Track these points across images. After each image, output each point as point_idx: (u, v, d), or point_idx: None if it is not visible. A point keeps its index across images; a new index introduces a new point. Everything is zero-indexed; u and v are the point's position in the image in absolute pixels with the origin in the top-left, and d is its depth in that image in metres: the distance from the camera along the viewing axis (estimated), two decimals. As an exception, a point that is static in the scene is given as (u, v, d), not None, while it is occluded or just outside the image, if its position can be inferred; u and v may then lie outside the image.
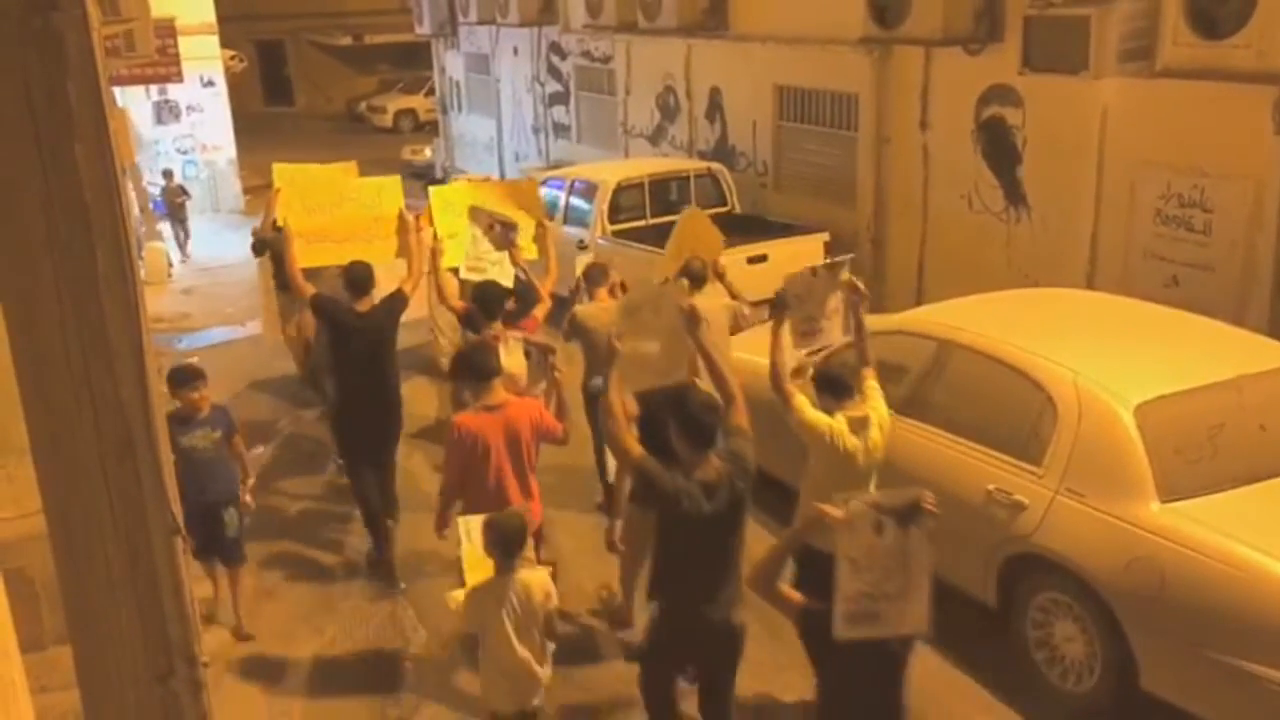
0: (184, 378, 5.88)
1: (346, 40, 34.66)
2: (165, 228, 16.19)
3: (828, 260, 5.67)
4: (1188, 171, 7.88)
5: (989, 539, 5.51)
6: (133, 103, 17.56)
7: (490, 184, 7.84)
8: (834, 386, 4.99)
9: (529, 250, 7.10)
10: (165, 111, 18.44)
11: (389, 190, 7.07)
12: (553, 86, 17.63)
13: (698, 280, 6.80)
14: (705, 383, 4.93)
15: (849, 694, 3.72)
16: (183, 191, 16.32)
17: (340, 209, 6.91)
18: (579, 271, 7.36)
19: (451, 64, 21.76)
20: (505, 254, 6.88)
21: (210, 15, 18.30)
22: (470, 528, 4.64)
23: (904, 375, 6.29)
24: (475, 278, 6.83)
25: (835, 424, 4.87)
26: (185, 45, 16.85)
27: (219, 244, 16.49)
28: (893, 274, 10.95)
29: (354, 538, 7.23)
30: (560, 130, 17.66)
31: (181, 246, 16.17)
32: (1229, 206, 7.67)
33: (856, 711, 3.77)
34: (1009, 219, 9.55)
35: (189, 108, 18.53)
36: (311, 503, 7.95)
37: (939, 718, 5.35)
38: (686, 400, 4.22)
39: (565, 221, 11.61)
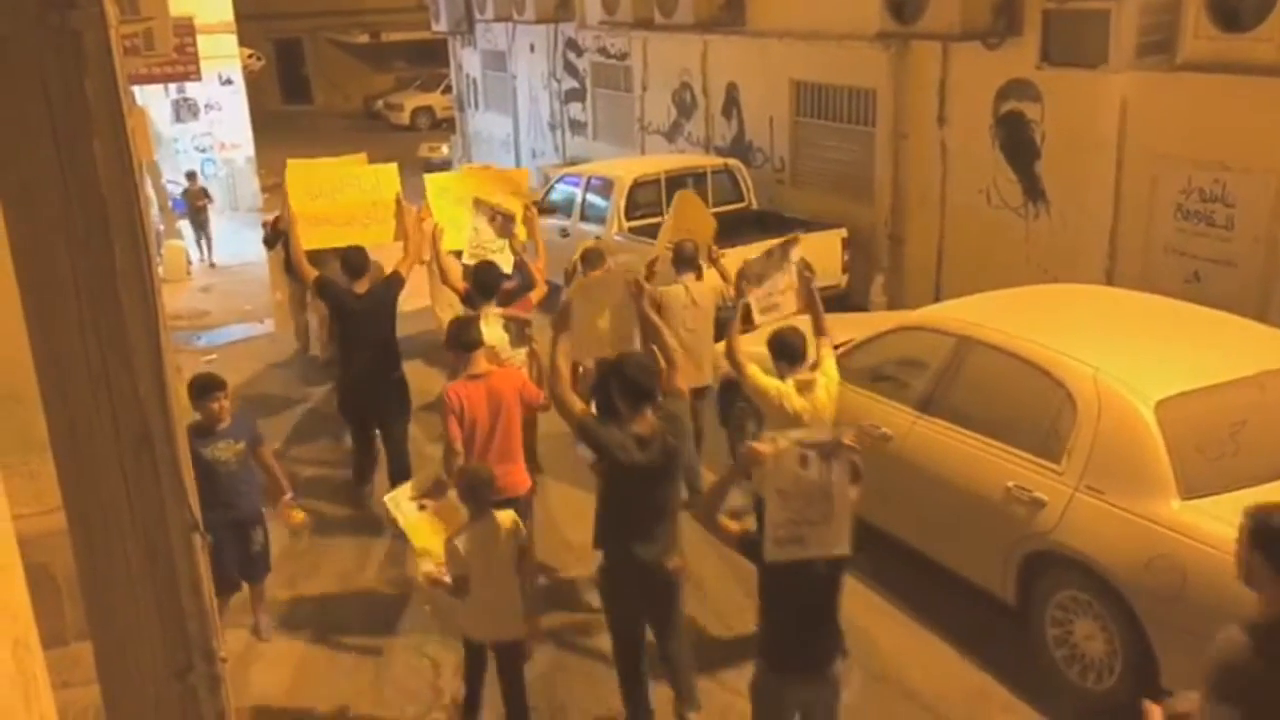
0: (203, 387, 5.64)
1: (364, 38, 34.76)
2: (186, 229, 16.02)
3: (781, 241, 6.25)
4: (1209, 166, 7.81)
5: (1008, 536, 5.48)
6: (152, 101, 17.66)
7: (483, 171, 8.25)
8: (786, 353, 5.42)
9: (520, 234, 7.45)
10: (184, 110, 18.53)
11: (386, 176, 7.50)
12: (569, 83, 17.63)
13: (689, 262, 7.11)
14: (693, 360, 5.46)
15: (785, 613, 4.12)
16: (205, 195, 15.92)
17: (341, 194, 7.33)
18: (576, 256, 7.70)
19: (468, 61, 21.79)
20: (505, 242, 7.25)
21: (228, 14, 18.38)
22: (396, 501, 5.16)
23: (922, 371, 6.27)
24: (470, 262, 7.20)
25: (783, 387, 5.32)
26: (204, 44, 16.91)
27: (237, 242, 16.54)
28: (910, 270, 10.91)
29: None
30: (577, 127, 17.66)
31: (204, 251, 15.81)
32: (1251, 201, 7.60)
33: (790, 629, 4.14)
34: (1027, 214, 9.49)
35: (207, 106, 18.62)
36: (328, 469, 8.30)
37: (959, 716, 5.34)
38: (625, 364, 4.63)
39: (582, 218, 11.61)
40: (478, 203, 7.29)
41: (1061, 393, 5.37)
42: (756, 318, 5.87)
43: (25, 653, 2.52)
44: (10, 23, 1.69)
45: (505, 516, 4.92)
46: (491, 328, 6.26)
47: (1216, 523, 4.66)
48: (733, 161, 12.20)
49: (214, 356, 11.50)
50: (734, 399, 7.91)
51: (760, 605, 4.22)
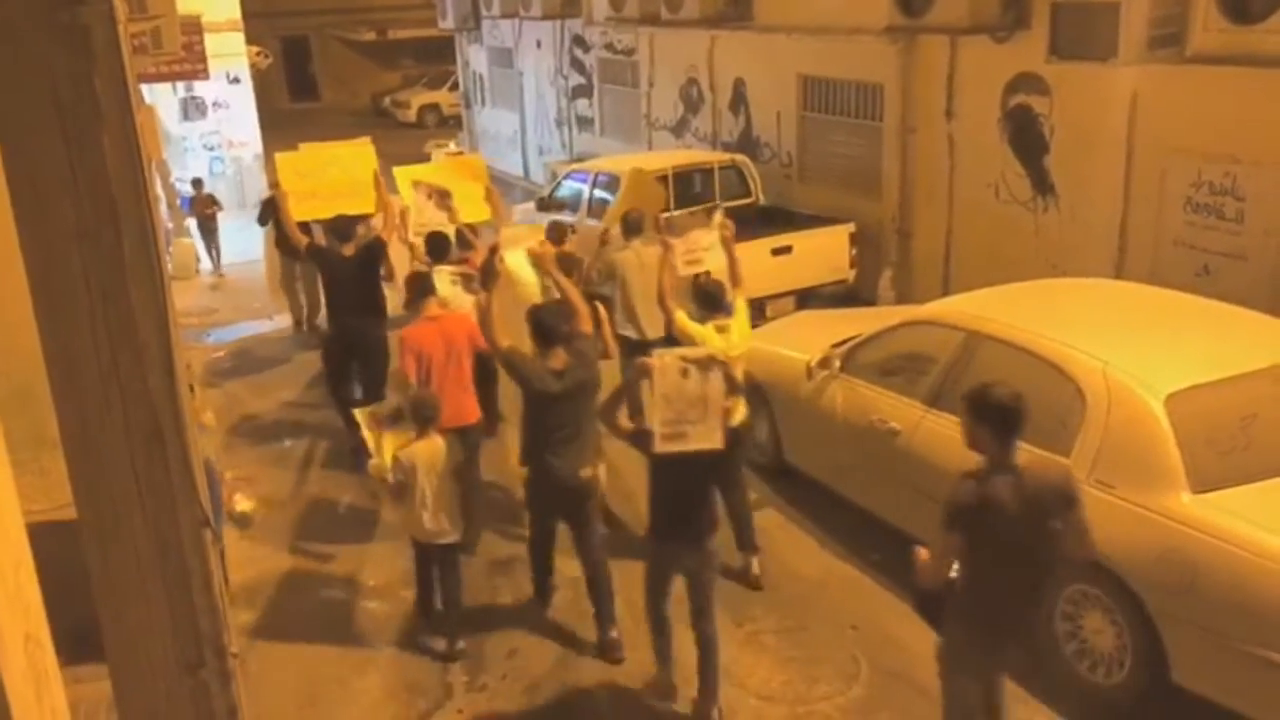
0: None
1: (371, 35, 34.78)
2: (195, 237, 15.40)
3: (705, 206, 7.82)
4: (1219, 159, 7.78)
5: (1017, 531, 5.47)
6: (160, 100, 17.68)
7: (443, 162, 9.35)
8: (708, 301, 6.34)
9: (470, 214, 8.53)
10: (192, 108, 18.54)
11: (364, 155, 8.64)
12: (576, 79, 17.62)
13: (636, 228, 8.12)
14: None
15: (668, 495, 5.09)
16: (213, 202, 14.98)
17: (325, 172, 8.45)
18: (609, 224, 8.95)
19: (475, 58, 21.80)
20: (444, 214, 8.39)
21: (236, 12, 18.38)
22: (364, 417, 6.20)
23: (931, 366, 6.25)
24: (421, 235, 8.31)
25: (705, 330, 6.18)
26: (211, 42, 16.90)
27: (245, 239, 16.53)
28: (919, 264, 10.88)
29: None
30: (583, 123, 17.65)
31: (214, 261, 15.27)
32: (1262, 194, 7.56)
33: (673, 508, 5.09)
34: (1036, 208, 9.46)
35: (215, 104, 18.62)
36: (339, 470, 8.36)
37: (967, 710, 5.33)
38: (540, 312, 5.78)
39: (589, 214, 11.60)
40: (416, 184, 8.37)
41: (1071, 387, 5.35)
42: (681, 269, 6.80)
43: (36, 648, 2.52)
44: (20, 18, 1.69)
45: (445, 439, 5.78)
46: (442, 282, 7.18)
47: (1227, 516, 4.65)
48: (740, 157, 12.18)
49: (222, 354, 11.53)
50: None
51: (650, 489, 5.17)
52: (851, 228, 10.65)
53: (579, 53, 17.31)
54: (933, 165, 10.50)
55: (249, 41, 19.06)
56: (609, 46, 16.28)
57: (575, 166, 13.15)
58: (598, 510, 6.02)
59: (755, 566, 6.45)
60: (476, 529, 6.55)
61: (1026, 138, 9.42)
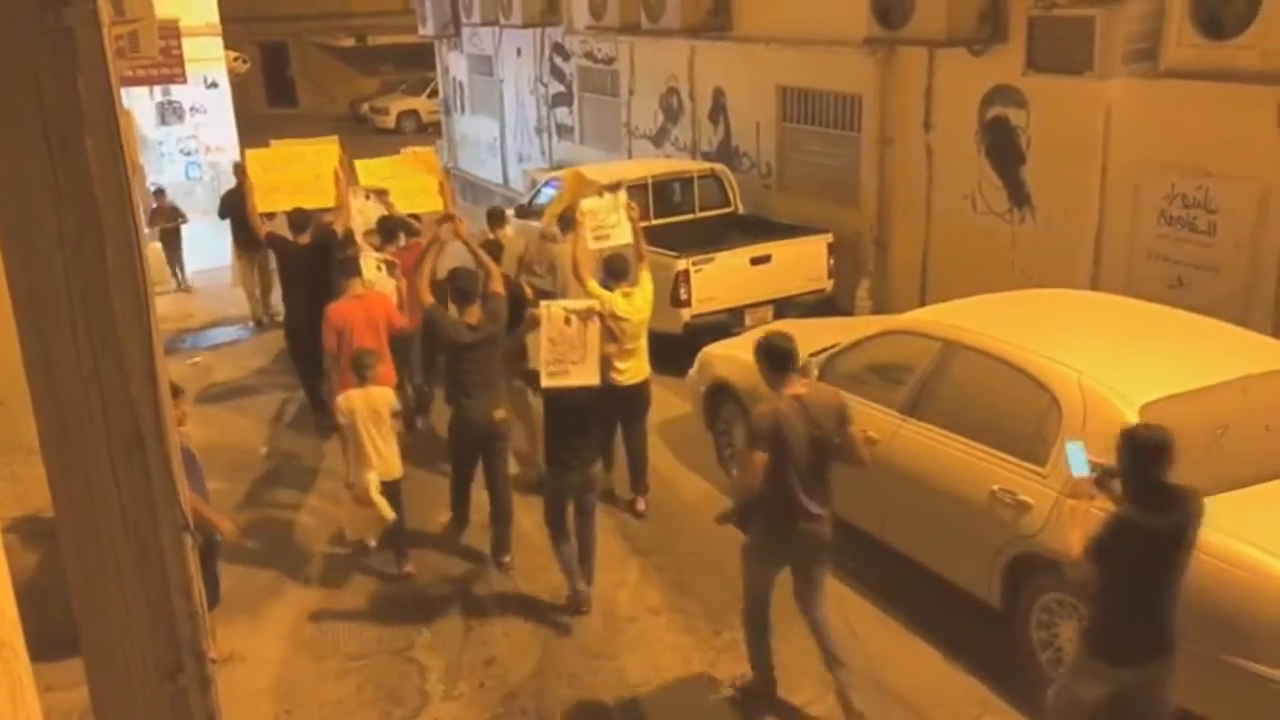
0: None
1: (350, 41, 34.65)
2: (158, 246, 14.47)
3: (609, 183, 8.70)
4: (1192, 172, 7.88)
5: (993, 539, 5.51)
6: (136, 104, 17.54)
7: (400, 156, 9.77)
8: (614, 271, 7.26)
9: (424, 204, 9.18)
10: (169, 113, 18.39)
11: (326, 154, 9.26)
12: (556, 88, 17.63)
13: (572, 224, 8.51)
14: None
15: (557, 426, 6.13)
16: (177, 214, 14.09)
17: (290, 168, 9.18)
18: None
19: (455, 65, 21.76)
20: (384, 210, 9.02)
21: (214, 16, 18.27)
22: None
23: (908, 375, 6.29)
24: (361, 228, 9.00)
25: (613, 295, 7.06)
26: (189, 46, 16.79)
27: (221, 245, 16.41)
28: (896, 274, 10.95)
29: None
30: (563, 131, 17.66)
31: (179, 275, 14.57)
32: (1234, 207, 7.66)
33: (562, 437, 6.10)
34: (1013, 220, 9.54)
35: (192, 109, 18.48)
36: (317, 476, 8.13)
37: (944, 717, 5.36)
38: (455, 275, 6.89)
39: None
40: (354, 189, 9.00)
41: (1046, 396, 5.40)
42: (590, 244, 7.61)
43: (11, 655, 2.50)
44: (3, 19, 1.68)
45: (380, 393, 6.63)
46: (369, 267, 8.03)
47: (1201, 526, 4.69)
48: (719, 166, 12.22)
49: (200, 359, 11.45)
50: (722, 403, 7.94)
51: (544, 425, 6.21)
52: (830, 238, 10.71)
53: (559, 61, 17.33)
54: (910, 176, 10.57)
55: (227, 46, 18.96)
56: (589, 55, 16.30)
57: (554, 175, 13.15)
58: (508, 450, 6.97)
59: (641, 504, 7.59)
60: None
61: (1003, 149, 9.50)
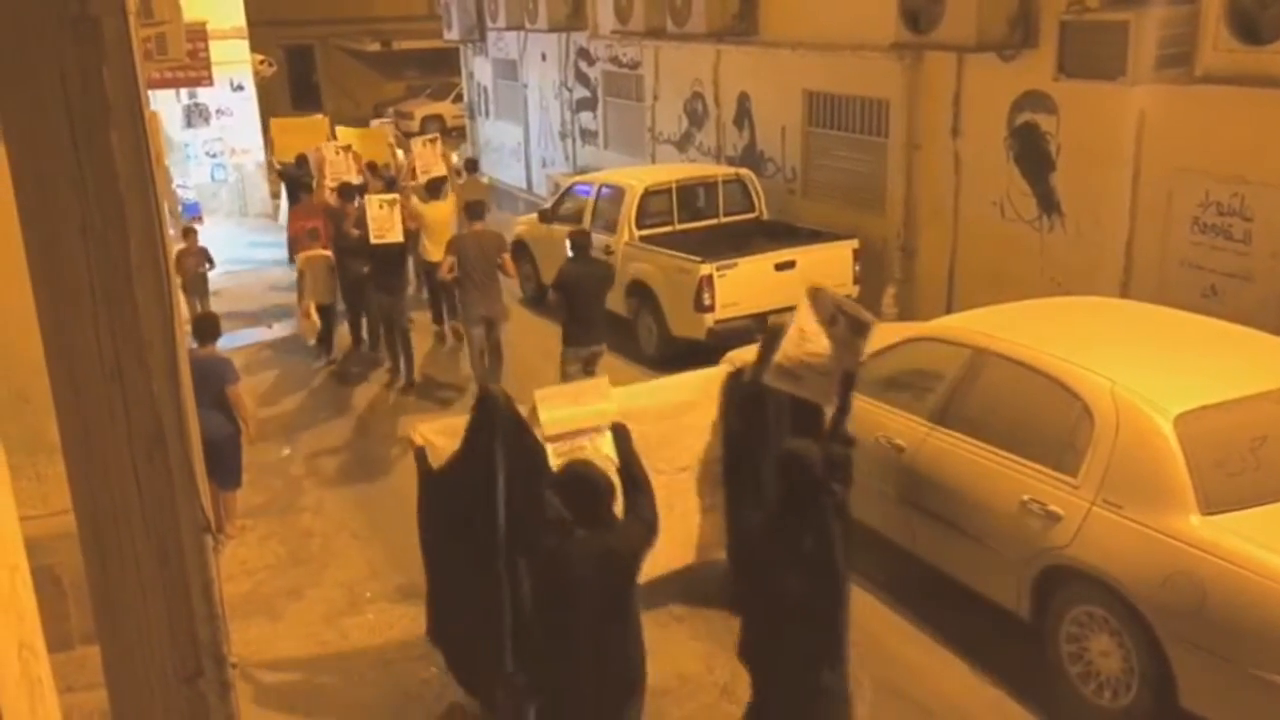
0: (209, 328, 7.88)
1: (375, 46, 34.78)
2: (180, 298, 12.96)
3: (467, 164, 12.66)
4: (1227, 179, 7.76)
5: (1023, 550, 5.42)
6: (163, 106, 17.69)
7: (369, 129, 12.86)
8: (431, 191, 10.89)
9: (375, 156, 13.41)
10: (195, 115, 18.55)
11: (320, 125, 12.25)
12: (580, 92, 17.61)
13: (436, 193, 11.24)
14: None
15: (376, 272, 9.68)
16: (205, 256, 12.23)
17: (297, 132, 12.55)
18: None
19: (480, 70, 21.80)
20: (351, 164, 12.15)
21: (240, 20, 18.42)
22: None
23: (936, 383, 6.21)
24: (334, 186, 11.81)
25: (427, 206, 10.87)
26: (216, 49, 16.94)
27: (246, 248, 16.52)
28: (922, 281, 10.85)
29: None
30: (588, 136, 17.64)
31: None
32: (1269, 215, 7.53)
33: (377, 280, 9.86)
34: (1042, 227, 9.43)
35: (218, 111, 18.63)
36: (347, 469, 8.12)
37: (971, 731, 5.28)
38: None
39: (592, 226, 11.57)
40: (325, 143, 11.85)
41: (1078, 406, 5.30)
42: (419, 176, 11.05)
43: (31, 656, 2.47)
44: (29, 8, 1.65)
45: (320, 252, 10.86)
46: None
47: (1237, 539, 4.60)
48: (744, 171, 12.15)
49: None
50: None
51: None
52: (855, 244, 10.62)
53: (584, 66, 17.31)
54: (938, 182, 10.48)
55: (253, 50, 19.09)
56: (614, 60, 16.28)
57: (579, 179, 13.13)
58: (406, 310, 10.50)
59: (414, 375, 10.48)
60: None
61: (1033, 156, 9.40)
